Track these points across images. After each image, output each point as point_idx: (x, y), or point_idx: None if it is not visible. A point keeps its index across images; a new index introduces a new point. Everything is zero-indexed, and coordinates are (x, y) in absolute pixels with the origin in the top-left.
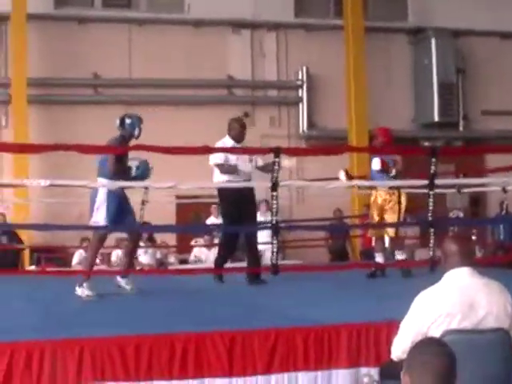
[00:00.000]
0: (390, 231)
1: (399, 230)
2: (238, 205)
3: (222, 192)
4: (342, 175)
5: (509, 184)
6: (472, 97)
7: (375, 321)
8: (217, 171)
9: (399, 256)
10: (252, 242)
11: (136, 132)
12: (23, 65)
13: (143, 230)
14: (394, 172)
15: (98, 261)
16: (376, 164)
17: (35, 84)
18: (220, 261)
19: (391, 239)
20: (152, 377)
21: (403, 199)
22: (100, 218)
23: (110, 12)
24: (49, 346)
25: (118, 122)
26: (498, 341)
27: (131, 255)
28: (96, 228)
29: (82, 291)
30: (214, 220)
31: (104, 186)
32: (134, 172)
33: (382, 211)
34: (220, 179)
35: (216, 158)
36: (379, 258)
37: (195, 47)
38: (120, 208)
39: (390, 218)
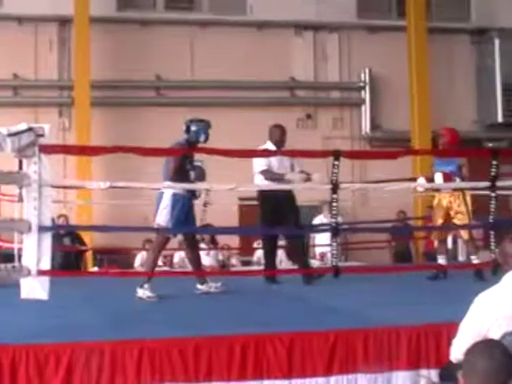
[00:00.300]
0: (464, 234)
1: (472, 232)
2: (279, 209)
3: (263, 196)
4: (420, 180)
5: None
6: None
7: (436, 323)
8: (259, 177)
9: (475, 260)
10: (296, 245)
11: (202, 138)
12: (86, 67)
13: (205, 232)
14: (457, 180)
15: (160, 263)
16: (439, 179)
17: (98, 86)
18: (268, 265)
19: (465, 242)
20: (211, 378)
21: (468, 200)
22: (164, 219)
23: (172, 14)
24: (108, 347)
25: (184, 126)
26: None
27: (195, 261)
28: (158, 230)
29: (143, 292)
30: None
31: (166, 188)
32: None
33: (447, 213)
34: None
35: (260, 165)
36: (441, 260)
37: (257, 49)
38: (184, 211)
39: (460, 219)
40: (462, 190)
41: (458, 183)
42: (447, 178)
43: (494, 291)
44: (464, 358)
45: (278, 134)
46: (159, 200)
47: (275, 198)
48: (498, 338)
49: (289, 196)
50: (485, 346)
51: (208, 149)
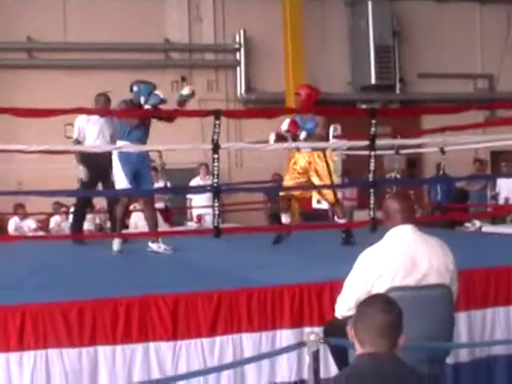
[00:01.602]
0: (329, 196)
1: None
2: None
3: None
4: (271, 138)
5: (446, 144)
6: (408, 60)
7: (317, 281)
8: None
9: (340, 221)
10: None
11: (142, 100)
12: None
13: (80, 195)
14: (303, 134)
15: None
16: (284, 124)
17: None
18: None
19: (331, 205)
20: (95, 342)
21: (331, 162)
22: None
23: None
24: None
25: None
26: (440, 296)
27: (153, 221)
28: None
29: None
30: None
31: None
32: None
33: (305, 174)
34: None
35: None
36: (285, 219)
37: (131, 10)
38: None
39: (318, 181)
40: (323, 150)
41: (319, 143)
42: (293, 126)
43: (378, 248)
44: (357, 311)
45: (102, 102)
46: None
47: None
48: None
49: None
50: (383, 300)
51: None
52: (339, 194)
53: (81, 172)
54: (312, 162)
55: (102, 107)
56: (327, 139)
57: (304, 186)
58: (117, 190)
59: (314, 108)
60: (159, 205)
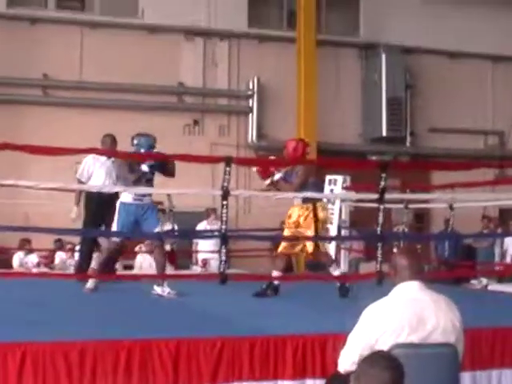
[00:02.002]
0: (308, 247)
1: (320, 245)
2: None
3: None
4: (266, 183)
5: (455, 200)
6: (420, 113)
7: (321, 332)
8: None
9: (334, 271)
10: None
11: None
12: None
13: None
14: (268, 181)
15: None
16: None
17: None
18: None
19: (308, 254)
20: None
21: (320, 211)
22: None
23: (63, 14)
24: None
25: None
26: (445, 355)
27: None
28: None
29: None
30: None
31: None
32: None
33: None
34: None
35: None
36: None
37: (147, 52)
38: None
39: (304, 232)
40: (313, 202)
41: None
42: (263, 172)
43: (384, 303)
44: (359, 368)
45: (109, 143)
46: None
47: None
48: (387, 349)
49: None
50: (386, 358)
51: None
52: (327, 245)
53: (73, 212)
54: (301, 215)
55: (109, 148)
56: (318, 189)
57: (290, 238)
58: (117, 232)
59: (305, 160)
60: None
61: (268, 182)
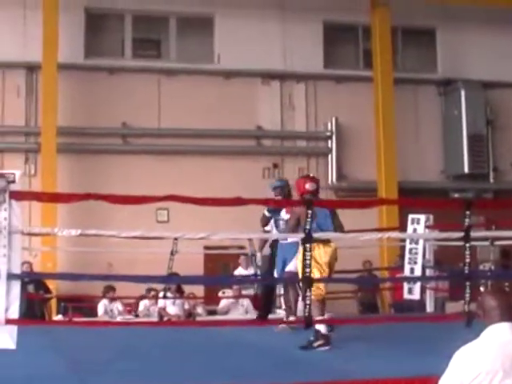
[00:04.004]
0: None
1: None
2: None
3: None
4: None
5: None
6: (502, 148)
7: (408, 376)
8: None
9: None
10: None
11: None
12: (53, 114)
13: (171, 282)
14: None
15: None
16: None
17: (64, 133)
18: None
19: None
20: None
21: (316, 251)
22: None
23: (140, 62)
24: None
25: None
26: None
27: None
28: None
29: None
30: (242, 271)
31: None
32: None
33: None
34: None
35: None
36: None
37: (224, 98)
38: None
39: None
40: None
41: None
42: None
43: (475, 346)
44: None
45: None
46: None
47: None
48: None
49: None
50: None
51: (181, 197)
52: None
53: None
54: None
55: None
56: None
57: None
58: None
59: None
60: (248, 292)
61: None
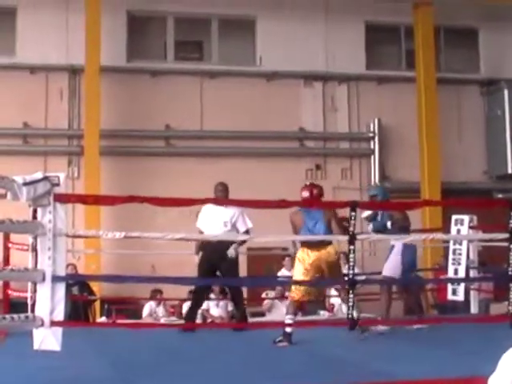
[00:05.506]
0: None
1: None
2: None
3: None
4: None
5: None
6: None
7: (453, 377)
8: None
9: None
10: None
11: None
12: (96, 117)
13: (214, 283)
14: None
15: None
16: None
17: (107, 135)
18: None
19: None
20: None
21: (299, 255)
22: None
23: (182, 64)
24: None
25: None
26: None
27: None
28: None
29: None
30: (285, 272)
31: None
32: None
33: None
34: None
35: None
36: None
37: (267, 99)
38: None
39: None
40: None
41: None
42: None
43: None
44: None
45: (219, 190)
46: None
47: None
48: None
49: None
50: None
51: (224, 200)
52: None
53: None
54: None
55: (220, 196)
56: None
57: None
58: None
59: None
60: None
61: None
